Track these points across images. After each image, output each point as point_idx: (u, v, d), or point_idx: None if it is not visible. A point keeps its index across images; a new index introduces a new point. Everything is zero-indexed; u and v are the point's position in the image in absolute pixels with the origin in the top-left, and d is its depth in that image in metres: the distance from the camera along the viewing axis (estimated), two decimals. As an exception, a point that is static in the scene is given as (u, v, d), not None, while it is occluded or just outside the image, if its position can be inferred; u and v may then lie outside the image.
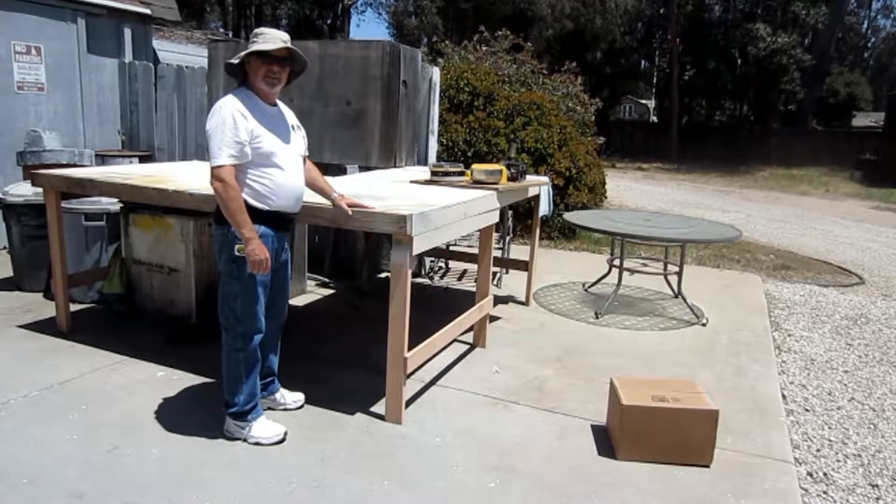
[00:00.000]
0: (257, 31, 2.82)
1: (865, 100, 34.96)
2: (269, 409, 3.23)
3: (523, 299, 5.41)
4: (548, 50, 24.72)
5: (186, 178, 4.04)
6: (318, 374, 3.74)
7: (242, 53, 2.77)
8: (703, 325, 5.06)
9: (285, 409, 3.26)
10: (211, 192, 3.48)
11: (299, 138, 3.01)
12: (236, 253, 2.75)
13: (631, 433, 2.97)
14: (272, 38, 2.78)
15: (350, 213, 3.01)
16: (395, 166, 4.95)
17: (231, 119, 2.67)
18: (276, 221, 2.86)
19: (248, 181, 2.76)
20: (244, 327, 2.87)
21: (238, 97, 2.76)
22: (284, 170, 2.82)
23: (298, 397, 3.32)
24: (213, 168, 2.68)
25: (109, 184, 3.81)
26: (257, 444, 2.92)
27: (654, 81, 37.85)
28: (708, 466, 2.95)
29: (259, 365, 2.99)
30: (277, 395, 3.28)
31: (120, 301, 4.58)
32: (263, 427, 2.97)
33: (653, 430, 2.94)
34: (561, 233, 8.36)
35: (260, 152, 2.74)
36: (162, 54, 8.01)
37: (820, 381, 4.25)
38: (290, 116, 3.03)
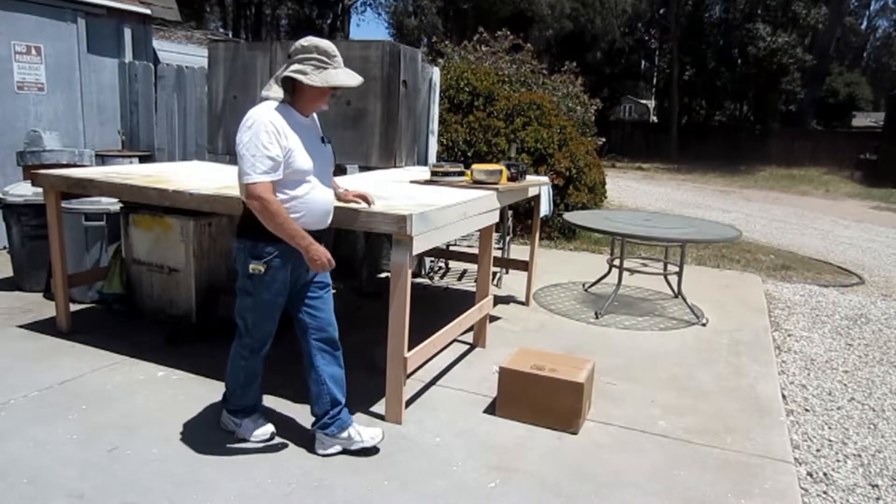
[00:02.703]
0: (325, 48, 2.61)
1: (865, 100, 34.96)
2: (344, 450, 2.88)
3: (523, 299, 5.41)
4: (548, 50, 24.73)
5: (186, 178, 4.04)
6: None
7: (331, 82, 2.59)
8: (703, 325, 5.06)
9: (363, 448, 2.88)
10: (210, 191, 3.49)
11: (329, 150, 2.85)
12: (250, 270, 2.66)
13: (506, 394, 3.33)
14: (340, 62, 2.64)
15: (372, 203, 3.03)
16: (395, 166, 4.95)
17: (265, 133, 2.50)
18: None
19: (278, 199, 2.59)
20: (251, 340, 2.84)
21: (273, 108, 2.59)
22: (316, 186, 2.69)
23: (376, 433, 2.93)
24: (247, 186, 2.50)
25: (109, 184, 3.81)
26: (243, 440, 2.94)
27: (654, 81, 37.84)
28: (575, 433, 3.20)
29: (258, 378, 2.96)
30: (352, 432, 2.88)
31: (120, 301, 4.58)
32: (253, 425, 2.97)
33: (525, 394, 3.27)
34: (561, 233, 8.36)
35: (294, 169, 2.58)
36: (162, 54, 8.01)
37: (820, 381, 4.25)
38: (318, 126, 2.87)
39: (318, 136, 2.78)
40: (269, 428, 3.00)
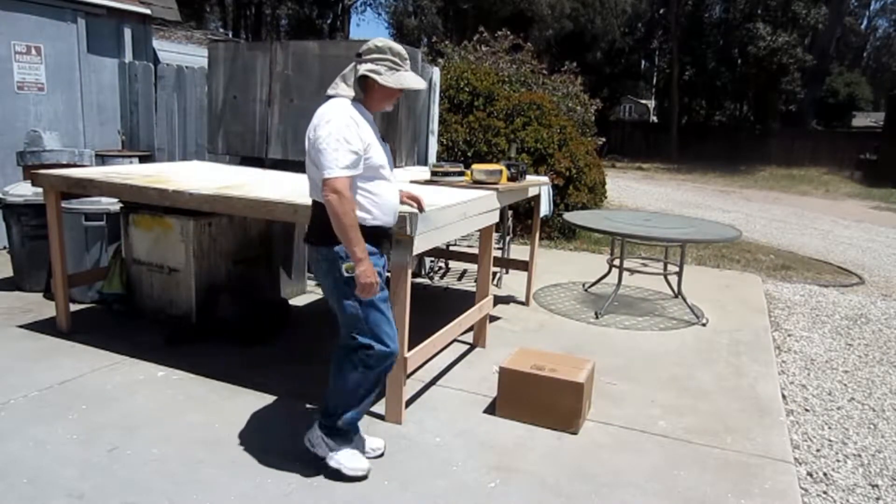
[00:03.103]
0: (399, 50, 2.63)
1: (865, 100, 34.95)
2: None
3: (523, 299, 5.41)
4: (548, 50, 24.73)
5: (186, 178, 4.04)
6: (318, 374, 3.72)
7: (404, 84, 2.62)
8: (703, 325, 5.06)
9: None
10: (210, 191, 3.50)
11: (388, 149, 2.81)
12: (346, 273, 2.52)
13: (506, 394, 3.33)
14: (409, 65, 2.68)
15: (423, 209, 2.96)
16: (394, 166, 4.94)
17: (346, 128, 2.48)
18: (377, 237, 2.63)
19: (356, 195, 2.55)
20: (381, 346, 2.64)
21: (349, 104, 2.58)
22: (388, 182, 2.67)
23: (378, 444, 2.93)
24: (326, 179, 2.43)
25: (109, 184, 3.81)
26: (338, 471, 2.68)
27: (654, 81, 37.85)
28: (575, 433, 3.19)
29: (376, 392, 2.76)
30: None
31: (120, 301, 4.57)
32: (352, 456, 2.73)
33: (525, 394, 3.25)
34: (561, 233, 8.36)
35: (370, 164, 2.56)
36: (162, 54, 8.02)
37: (820, 381, 4.25)
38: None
39: (379, 135, 2.75)
40: (367, 464, 2.74)
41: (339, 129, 2.47)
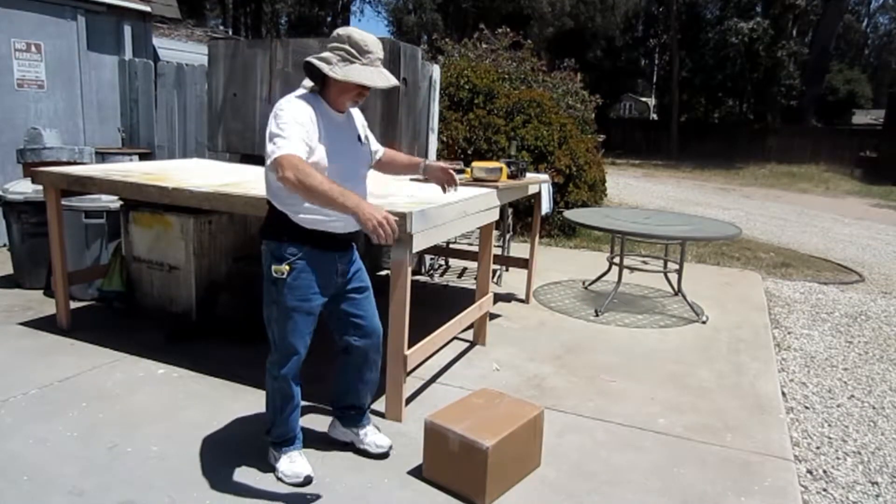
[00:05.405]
0: (358, 40, 2.40)
1: (865, 97, 34.92)
2: (351, 443, 2.92)
3: (523, 297, 5.42)
4: (548, 47, 24.71)
5: (186, 175, 4.04)
6: (318, 372, 3.72)
7: (351, 78, 2.38)
8: (703, 322, 5.07)
9: (367, 454, 2.86)
10: (211, 189, 3.49)
11: (365, 150, 2.68)
12: (273, 274, 2.46)
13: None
14: (374, 59, 2.43)
15: (454, 176, 2.88)
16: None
17: (299, 117, 2.32)
18: (325, 241, 2.51)
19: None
20: (279, 354, 2.58)
21: (304, 99, 2.40)
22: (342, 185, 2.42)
23: (384, 442, 2.89)
24: (276, 159, 2.22)
25: (109, 181, 3.80)
26: (279, 479, 2.64)
27: (654, 79, 37.81)
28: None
29: (293, 401, 2.66)
30: (361, 433, 2.91)
31: (120, 299, 4.58)
32: (289, 462, 2.67)
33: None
34: (561, 230, 8.36)
35: (317, 165, 2.36)
36: (162, 52, 8.01)
37: (820, 378, 4.25)
38: (360, 124, 2.69)
39: (352, 134, 2.59)
40: (302, 470, 2.62)
41: (294, 118, 2.30)
